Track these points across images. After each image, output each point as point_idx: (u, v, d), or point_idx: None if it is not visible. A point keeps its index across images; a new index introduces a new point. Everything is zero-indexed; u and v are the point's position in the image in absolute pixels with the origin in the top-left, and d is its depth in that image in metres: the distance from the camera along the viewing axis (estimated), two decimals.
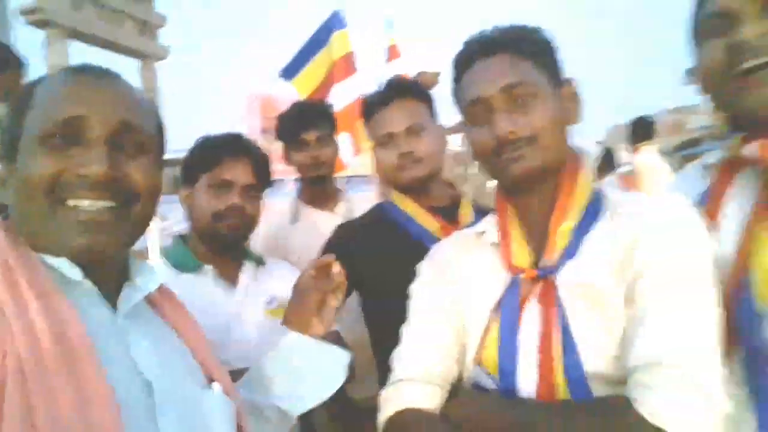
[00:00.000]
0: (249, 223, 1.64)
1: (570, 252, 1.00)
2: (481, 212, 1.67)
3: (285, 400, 1.15)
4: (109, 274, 0.84)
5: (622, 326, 0.92)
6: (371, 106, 1.70)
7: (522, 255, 1.04)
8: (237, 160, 1.60)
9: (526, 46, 1.03)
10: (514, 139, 0.99)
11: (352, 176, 4.11)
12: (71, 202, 0.76)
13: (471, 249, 1.15)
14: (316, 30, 3.30)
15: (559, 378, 0.94)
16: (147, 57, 8.51)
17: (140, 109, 0.86)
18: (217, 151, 1.60)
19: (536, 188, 1.05)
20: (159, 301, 0.95)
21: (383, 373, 1.71)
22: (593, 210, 1.03)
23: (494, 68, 1.03)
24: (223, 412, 0.90)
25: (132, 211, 0.82)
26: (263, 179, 1.68)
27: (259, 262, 1.72)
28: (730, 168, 1.04)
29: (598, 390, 0.92)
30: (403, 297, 1.51)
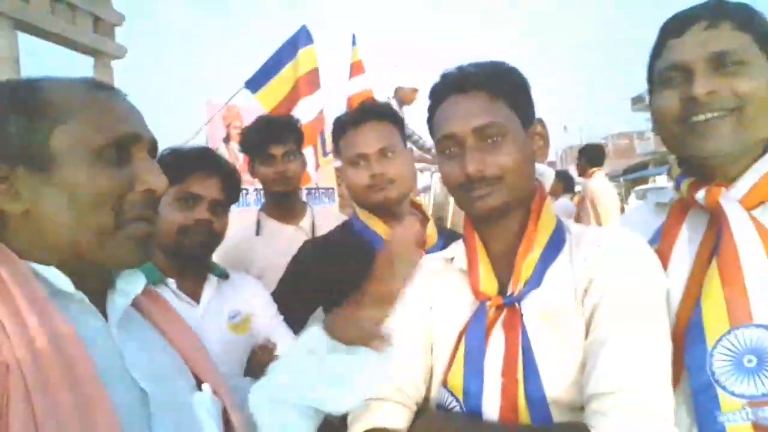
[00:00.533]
0: (215, 238, 1.64)
1: (534, 282, 1.05)
2: (445, 235, 1.72)
3: (326, 403, 1.03)
4: (97, 282, 0.85)
5: (582, 354, 0.98)
6: (344, 126, 1.73)
7: (489, 283, 1.09)
8: (207, 174, 1.60)
9: (501, 86, 1.09)
10: (482, 177, 1.05)
11: (312, 188, 4.13)
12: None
13: (440, 273, 1.20)
14: (282, 45, 3.31)
15: (522, 402, 0.99)
16: (102, 55, 8.27)
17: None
18: (186, 163, 1.59)
19: (502, 221, 1.10)
20: (145, 304, 0.96)
21: None
22: (556, 241, 1.09)
23: (469, 106, 1.08)
24: (213, 413, 0.91)
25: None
26: (231, 195, 1.68)
27: (223, 276, 1.71)
28: (680, 209, 1.14)
29: (559, 414, 0.97)
30: None
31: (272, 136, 2.22)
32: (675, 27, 1.09)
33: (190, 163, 1.60)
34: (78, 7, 8.17)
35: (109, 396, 0.70)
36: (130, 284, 0.90)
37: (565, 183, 7.12)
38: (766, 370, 0.94)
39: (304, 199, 2.82)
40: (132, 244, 0.81)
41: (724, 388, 0.95)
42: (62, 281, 0.78)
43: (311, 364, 0.98)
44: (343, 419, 1.12)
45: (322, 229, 2.08)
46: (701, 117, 1.04)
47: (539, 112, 1.17)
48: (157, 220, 0.86)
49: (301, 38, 3.27)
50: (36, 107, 0.80)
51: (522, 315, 1.03)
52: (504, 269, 1.10)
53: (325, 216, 2.42)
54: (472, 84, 1.08)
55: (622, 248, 1.04)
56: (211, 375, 0.96)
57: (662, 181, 18.41)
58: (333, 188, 4.01)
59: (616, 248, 1.04)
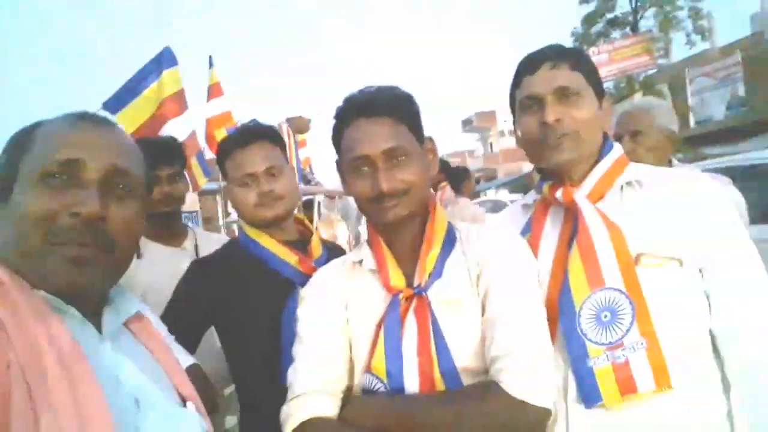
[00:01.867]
0: None
1: (437, 273, 1.25)
2: (327, 247, 1.87)
3: None
4: (90, 300, 0.90)
5: (480, 328, 1.20)
6: (230, 148, 1.79)
7: (398, 278, 1.27)
8: None
9: (403, 112, 1.27)
10: (393, 193, 1.22)
11: (185, 212, 4.00)
12: (61, 248, 0.82)
13: (350, 275, 1.35)
14: (144, 65, 3.20)
15: (437, 374, 1.17)
16: None
17: (131, 155, 0.94)
18: None
19: (406, 226, 1.29)
20: (133, 323, 0.99)
21: (245, 404, 1.77)
22: (450, 239, 1.31)
23: (378, 130, 1.24)
24: (199, 428, 0.96)
25: (112, 255, 0.88)
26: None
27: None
28: (543, 207, 1.46)
29: (468, 380, 1.17)
30: (267, 327, 1.60)
31: (157, 158, 2.22)
32: (528, 67, 1.40)
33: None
34: None
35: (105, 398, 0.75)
36: (125, 303, 0.95)
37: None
38: (617, 322, 1.23)
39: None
40: (63, 266, 0.82)
41: (590, 339, 1.24)
42: (52, 298, 0.81)
43: None
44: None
45: (206, 250, 2.09)
46: (553, 138, 1.35)
47: None
48: (104, 245, 0.86)
49: (165, 60, 3.20)
50: (19, 142, 0.87)
51: (429, 302, 1.22)
52: (408, 266, 1.28)
53: (207, 238, 2.42)
54: (379, 110, 1.25)
55: (501, 242, 1.30)
56: (193, 396, 1.01)
57: (491, 194, 20.54)
58: (197, 211, 3.93)
59: (497, 242, 1.29)
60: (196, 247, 2.28)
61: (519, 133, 1.45)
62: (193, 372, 1.56)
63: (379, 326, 1.23)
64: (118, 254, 0.89)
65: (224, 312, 1.73)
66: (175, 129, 3.14)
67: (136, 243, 0.96)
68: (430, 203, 1.34)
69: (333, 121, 1.33)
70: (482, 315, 1.21)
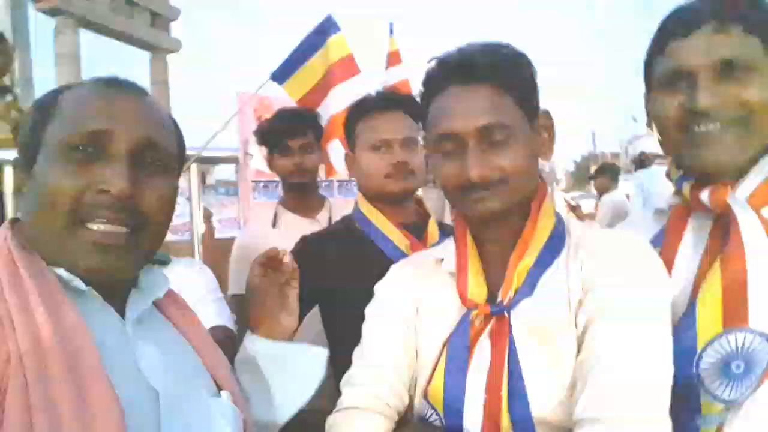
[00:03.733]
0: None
1: (526, 290, 0.96)
2: (446, 233, 1.64)
3: (265, 411, 1.08)
4: (118, 282, 0.84)
5: (572, 371, 0.89)
6: (367, 109, 1.66)
7: (477, 289, 1.01)
8: None
9: (508, 78, 0.97)
10: (484, 182, 0.95)
11: (344, 181, 4.09)
12: (90, 225, 0.77)
13: (428, 274, 1.12)
14: (308, 34, 3.25)
15: (506, 421, 0.90)
16: (158, 49, 8.56)
17: (163, 127, 0.87)
18: None
19: (500, 224, 1.01)
20: (166, 305, 0.95)
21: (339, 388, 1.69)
22: (554, 244, 1.00)
23: (473, 103, 0.97)
24: (231, 421, 0.88)
25: (143, 236, 0.82)
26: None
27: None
28: (682, 213, 1.06)
29: None
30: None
31: (289, 128, 2.21)
32: (680, 26, 1.00)
33: None
34: (136, 3, 8.48)
35: (117, 392, 0.69)
36: (155, 284, 0.91)
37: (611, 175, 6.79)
38: (749, 376, 0.87)
39: (336, 191, 2.79)
40: (90, 249, 0.77)
41: (707, 390, 0.89)
42: (73, 279, 0.77)
43: (245, 375, 0.98)
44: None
45: None
46: (703, 128, 0.97)
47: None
48: (135, 224, 0.80)
49: (329, 27, 3.21)
50: (44, 108, 0.82)
51: (511, 326, 0.94)
52: (495, 274, 1.01)
53: (345, 209, 2.38)
54: (477, 75, 0.97)
55: (622, 255, 0.94)
56: (230, 384, 0.94)
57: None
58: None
59: (616, 255, 0.94)
60: (330, 219, 2.23)
61: (653, 117, 1.06)
62: (217, 333, 1.53)
63: (444, 345, 1.00)
64: (150, 234, 0.83)
65: (325, 293, 1.64)
66: (343, 95, 3.13)
67: (168, 221, 0.88)
68: (538, 195, 1.03)
69: (421, 88, 1.09)
70: (577, 354, 0.89)
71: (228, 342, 1.54)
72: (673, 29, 1.01)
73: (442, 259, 1.10)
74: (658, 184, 4.26)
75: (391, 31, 3.95)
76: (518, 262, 0.98)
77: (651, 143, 5.00)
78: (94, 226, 0.76)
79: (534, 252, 0.98)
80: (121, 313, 0.83)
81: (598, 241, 0.98)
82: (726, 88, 0.96)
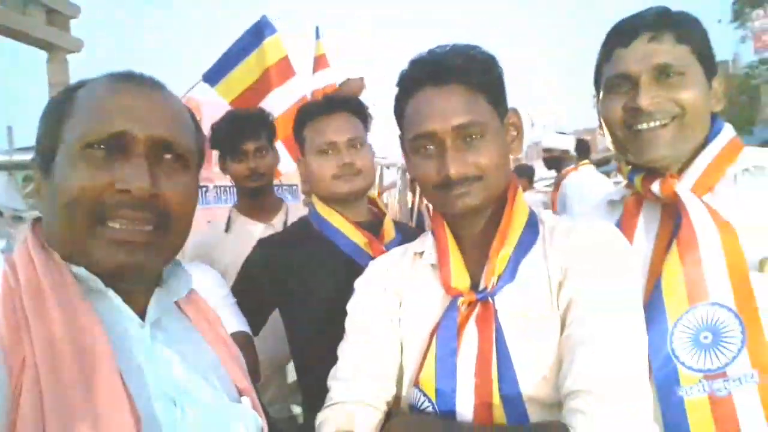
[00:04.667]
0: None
1: (508, 276, 1.02)
2: (402, 230, 1.68)
3: None
4: (141, 280, 0.83)
5: (557, 349, 0.95)
6: (311, 114, 1.67)
7: (461, 278, 1.05)
8: None
9: (480, 78, 1.03)
10: (462, 179, 1.00)
11: (276, 185, 4.02)
12: (111, 224, 0.75)
13: (409, 268, 1.15)
14: (242, 34, 3.19)
15: (497, 401, 0.95)
16: (56, 49, 7.92)
17: (181, 122, 0.85)
18: None
19: (477, 217, 1.06)
20: (188, 306, 0.93)
21: (307, 392, 1.67)
22: (529, 234, 1.06)
23: (447, 103, 1.01)
24: (250, 428, 0.87)
25: (166, 234, 0.80)
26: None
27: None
28: (635, 203, 1.19)
29: (534, 413, 0.94)
30: (331, 311, 1.48)
31: (244, 132, 2.15)
32: (622, 37, 1.13)
33: None
34: None
35: (133, 398, 0.68)
36: (177, 283, 0.89)
37: (528, 177, 7.05)
38: (720, 346, 0.99)
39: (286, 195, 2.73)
40: (112, 247, 0.75)
41: (682, 363, 1.00)
42: (92, 279, 0.76)
43: None
44: None
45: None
46: (644, 125, 1.10)
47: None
48: (157, 223, 0.78)
49: (264, 28, 3.17)
50: (60, 106, 0.80)
51: (496, 311, 0.99)
52: (476, 264, 1.06)
53: (302, 213, 2.35)
54: (450, 75, 1.02)
55: (597, 238, 1.02)
56: (249, 390, 0.93)
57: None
58: (296, 185, 3.90)
59: (591, 238, 1.02)
60: (285, 222, 2.19)
61: (602, 118, 1.18)
62: (238, 338, 1.50)
63: (432, 334, 1.03)
64: (173, 233, 0.81)
65: (286, 294, 1.64)
66: (281, 97, 3.09)
67: (191, 219, 0.87)
68: (510, 188, 1.09)
69: (396, 89, 1.12)
70: (561, 333, 0.96)
71: (250, 348, 1.52)
72: (615, 39, 1.15)
73: (422, 253, 1.13)
74: (587, 186, 4.40)
75: (318, 35, 3.96)
76: (499, 250, 1.03)
77: (562, 140, 5.11)
78: (116, 225, 0.75)
79: (513, 240, 1.04)
80: (143, 312, 0.81)
81: (572, 227, 1.05)
82: (662, 90, 1.09)
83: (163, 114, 0.81)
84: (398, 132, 1.15)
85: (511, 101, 1.12)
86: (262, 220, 2.22)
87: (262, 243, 1.75)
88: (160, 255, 0.82)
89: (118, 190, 0.75)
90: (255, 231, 2.14)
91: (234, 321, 1.55)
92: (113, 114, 0.77)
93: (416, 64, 1.07)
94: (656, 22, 1.11)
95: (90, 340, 0.68)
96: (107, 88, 0.81)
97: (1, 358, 0.64)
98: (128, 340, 0.77)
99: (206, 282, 1.61)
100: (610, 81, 1.16)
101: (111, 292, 0.78)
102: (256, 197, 2.23)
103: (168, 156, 0.81)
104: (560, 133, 5.33)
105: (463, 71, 1.02)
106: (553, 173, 5.52)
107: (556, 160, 4.98)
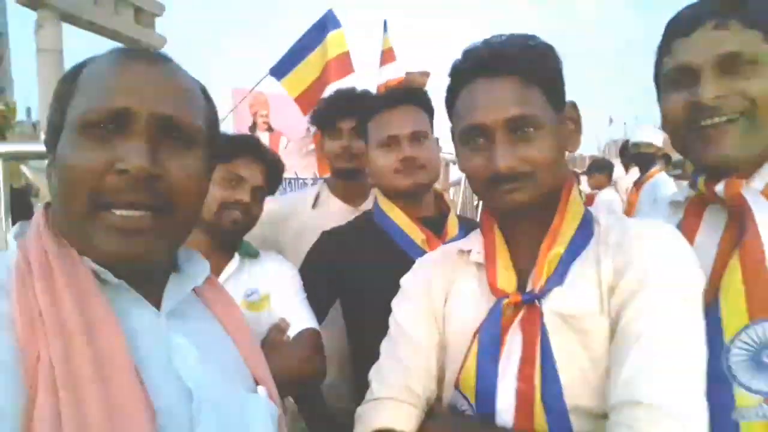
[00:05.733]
0: (251, 221, 1.65)
1: (557, 278, 0.97)
2: (466, 226, 1.64)
3: None
4: (154, 270, 0.80)
5: (606, 357, 0.89)
6: (375, 107, 1.67)
7: (507, 279, 1.01)
8: (254, 160, 1.63)
9: (536, 70, 0.98)
10: (512, 174, 0.96)
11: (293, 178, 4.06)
12: (114, 211, 0.72)
13: (456, 266, 1.12)
14: (308, 29, 3.24)
15: (538, 408, 0.91)
16: (142, 45, 8.38)
17: (190, 99, 0.80)
18: (236, 146, 1.62)
19: (528, 215, 1.02)
20: (205, 293, 0.90)
21: (359, 384, 1.68)
22: (583, 234, 1.00)
23: (500, 94, 0.97)
24: (266, 418, 0.85)
25: (170, 218, 0.76)
26: (272, 185, 1.71)
27: (252, 255, 1.69)
28: (698, 205, 1.09)
29: (579, 423, 0.89)
30: (385, 308, 1.48)
31: (341, 110, 2.05)
32: (682, 26, 1.04)
33: (240, 146, 1.62)
34: None
35: (149, 390, 0.67)
36: (194, 269, 0.86)
37: (607, 172, 6.70)
38: None
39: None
40: (111, 235, 0.71)
41: (740, 383, 0.90)
42: (102, 271, 0.73)
43: None
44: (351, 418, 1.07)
45: None
46: (708, 121, 1.01)
47: (582, 103, 1.09)
48: (159, 206, 0.74)
49: (329, 22, 3.20)
50: (67, 83, 0.77)
51: (542, 314, 0.95)
52: (524, 264, 1.01)
53: None
54: (504, 67, 0.98)
55: (654, 241, 0.95)
56: (267, 378, 0.90)
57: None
58: (311, 178, 3.87)
59: (648, 241, 0.95)
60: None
61: (662, 115, 1.09)
62: (304, 336, 1.53)
63: (474, 335, 1.00)
64: (178, 216, 0.76)
65: (345, 287, 1.66)
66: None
67: (198, 201, 0.82)
68: (566, 185, 1.04)
69: (448, 80, 1.09)
70: (611, 341, 0.90)
71: (319, 346, 1.53)
72: (676, 29, 1.06)
73: (469, 251, 1.10)
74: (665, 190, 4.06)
75: (385, 29, 3.96)
76: (549, 250, 0.98)
77: (648, 133, 4.70)
78: (117, 211, 0.72)
79: (564, 241, 0.99)
80: (159, 301, 0.79)
81: (627, 229, 0.98)
82: (729, 82, 0.99)
83: (167, 90, 0.77)
84: (449, 125, 1.12)
85: (584, 98, 1.06)
86: (350, 203, 2.13)
87: (326, 234, 1.76)
88: (164, 241, 0.77)
89: (117, 170, 0.71)
90: (340, 212, 2.08)
91: (305, 318, 1.57)
92: (114, 91, 0.73)
93: (469, 54, 1.04)
94: (723, 6, 1.01)
95: (105, 334, 0.67)
96: (110, 64, 0.77)
97: (17, 359, 0.62)
98: (143, 331, 0.74)
99: (281, 273, 1.67)
100: (670, 75, 1.07)
101: (123, 284, 0.75)
102: (347, 178, 2.13)
103: (172, 134, 0.76)
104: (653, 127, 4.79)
105: (517, 62, 0.97)
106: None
107: (646, 157, 4.52)
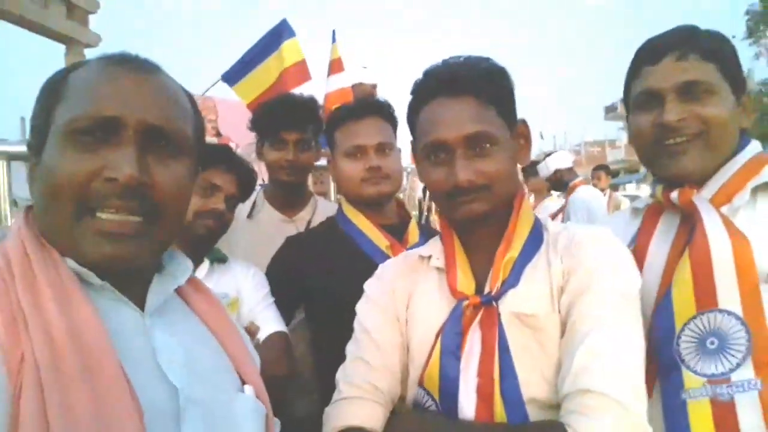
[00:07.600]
0: (223, 228, 1.68)
1: (512, 281, 1.05)
2: (427, 233, 1.73)
3: None
4: (134, 271, 0.80)
5: (557, 352, 0.98)
6: (343, 117, 1.72)
7: (466, 282, 1.09)
8: (228, 170, 1.66)
9: (492, 91, 1.06)
10: (471, 187, 1.04)
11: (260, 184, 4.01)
12: (99, 214, 0.73)
13: (417, 271, 1.19)
14: (262, 37, 3.25)
15: (498, 401, 0.98)
16: (74, 42, 8.02)
17: (177, 107, 0.81)
18: (211, 156, 1.63)
19: (483, 224, 1.10)
20: (189, 294, 0.90)
21: (326, 388, 1.72)
22: (534, 240, 1.10)
23: (459, 114, 1.05)
24: (254, 418, 0.85)
25: (157, 224, 0.77)
26: (244, 194, 1.74)
27: (221, 260, 1.71)
28: (654, 211, 1.25)
29: (535, 414, 0.97)
30: (350, 312, 1.53)
31: (288, 119, 1.98)
32: (650, 55, 1.19)
33: (214, 156, 1.64)
34: None
35: (135, 390, 0.67)
36: (177, 269, 0.86)
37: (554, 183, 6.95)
38: (725, 352, 1.02)
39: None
40: (99, 238, 0.72)
41: (688, 366, 1.04)
42: (84, 272, 0.73)
43: None
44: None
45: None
46: (671, 141, 1.15)
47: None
48: (147, 213, 0.75)
49: (284, 31, 3.23)
50: (53, 88, 0.77)
51: (499, 314, 1.03)
52: (481, 268, 1.10)
53: (331, 211, 2.14)
54: (463, 87, 1.06)
55: (596, 246, 1.05)
56: (254, 377, 0.90)
57: (632, 189, 18.64)
58: (259, 185, 3.87)
59: (591, 246, 1.05)
60: (309, 222, 2.09)
61: (631, 133, 1.24)
62: (273, 339, 1.57)
63: (437, 336, 1.07)
64: (164, 222, 0.77)
65: (309, 292, 1.69)
66: None
67: (184, 207, 0.83)
68: (518, 196, 1.13)
69: (409, 98, 1.17)
70: (561, 337, 1.00)
71: (288, 348, 1.58)
72: (644, 57, 1.20)
73: (430, 256, 1.18)
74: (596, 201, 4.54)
75: (334, 39, 4.00)
76: (503, 255, 1.07)
77: (562, 159, 5.20)
78: (103, 215, 0.72)
79: (518, 246, 1.08)
80: (142, 302, 0.80)
81: (573, 235, 1.08)
82: (688, 106, 1.14)
83: (155, 99, 0.78)
84: (410, 138, 1.20)
85: (521, 112, 1.16)
86: (287, 213, 2.11)
87: (289, 240, 1.80)
88: (151, 246, 0.78)
89: (106, 178, 0.72)
90: (275, 223, 2.06)
91: (273, 321, 1.61)
92: (103, 99, 0.74)
93: (431, 74, 1.12)
94: (684, 41, 1.16)
95: (89, 333, 0.66)
96: (99, 72, 0.77)
97: (0, 360, 0.62)
98: (128, 331, 0.74)
99: (248, 278, 1.70)
100: (639, 98, 1.21)
101: (107, 285, 0.75)
102: (286, 190, 2.11)
103: (161, 142, 0.77)
104: (550, 153, 5.44)
105: (475, 84, 1.06)
106: None
107: (567, 179, 5.04)
